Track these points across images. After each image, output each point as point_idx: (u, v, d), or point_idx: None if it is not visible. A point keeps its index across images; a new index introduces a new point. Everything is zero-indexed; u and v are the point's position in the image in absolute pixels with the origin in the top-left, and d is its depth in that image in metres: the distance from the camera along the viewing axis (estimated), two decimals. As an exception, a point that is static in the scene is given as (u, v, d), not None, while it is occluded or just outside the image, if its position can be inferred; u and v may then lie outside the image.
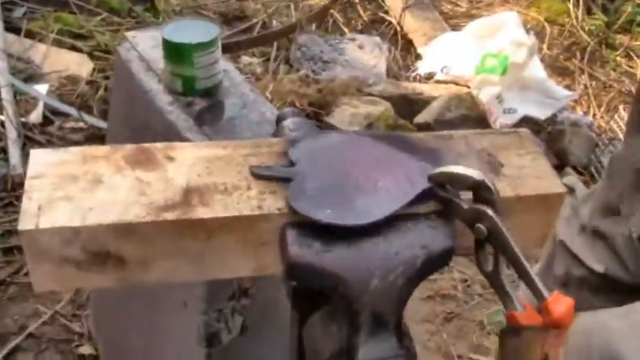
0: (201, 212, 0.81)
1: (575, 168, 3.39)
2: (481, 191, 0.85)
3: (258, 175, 0.88)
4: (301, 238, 0.82)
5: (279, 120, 1.09)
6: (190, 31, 1.49)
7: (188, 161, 0.88)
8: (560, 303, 0.81)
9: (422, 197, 0.88)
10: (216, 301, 1.46)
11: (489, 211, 0.84)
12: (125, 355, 2.00)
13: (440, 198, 0.88)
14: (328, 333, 0.87)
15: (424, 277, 0.87)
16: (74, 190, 0.82)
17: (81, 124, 3.14)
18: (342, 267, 0.81)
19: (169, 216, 0.80)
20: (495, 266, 0.87)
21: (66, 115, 3.19)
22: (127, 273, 0.83)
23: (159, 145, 0.89)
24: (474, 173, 0.85)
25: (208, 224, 0.81)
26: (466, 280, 2.77)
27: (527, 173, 0.94)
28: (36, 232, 0.78)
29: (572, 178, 3.25)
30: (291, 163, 0.91)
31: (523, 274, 0.84)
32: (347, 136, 1.01)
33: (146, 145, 0.89)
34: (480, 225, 0.85)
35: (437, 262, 0.87)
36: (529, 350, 0.82)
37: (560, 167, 3.37)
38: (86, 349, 2.34)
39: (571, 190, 3.15)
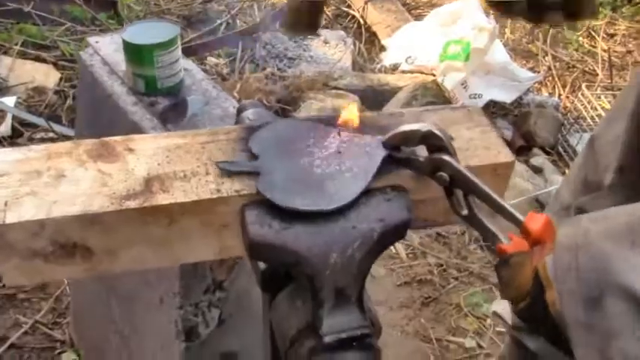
0: (162, 198, 0.84)
1: (542, 148, 3.43)
2: (432, 141, 0.89)
3: (225, 170, 0.91)
4: (261, 217, 0.85)
5: (239, 111, 1.12)
6: (150, 31, 1.51)
7: (148, 152, 0.90)
8: (535, 220, 0.85)
9: (383, 167, 0.92)
10: (191, 295, 1.48)
11: (445, 157, 0.88)
12: (107, 358, 2.02)
13: (398, 160, 0.92)
14: (294, 310, 0.90)
15: (382, 250, 0.90)
16: (39, 185, 0.85)
17: (51, 134, 3.14)
18: (301, 244, 0.84)
19: (132, 204, 0.83)
20: (469, 208, 0.91)
21: (35, 126, 3.19)
22: (94, 263, 0.86)
23: (119, 138, 0.92)
24: (420, 126, 0.90)
25: (169, 210, 0.84)
26: (442, 265, 2.81)
27: (476, 145, 0.98)
28: (3, 227, 0.80)
29: (539, 159, 3.30)
30: (253, 155, 0.93)
31: (495, 206, 0.88)
32: (301, 123, 1.04)
33: (106, 138, 0.91)
34: (440, 173, 0.89)
35: (394, 234, 0.90)
36: (519, 273, 0.85)
37: (527, 149, 3.42)
38: (69, 356, 2.35)
39: (539, 170, 3.20)
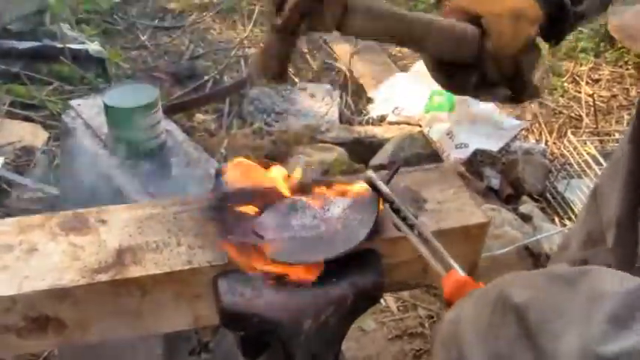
0: (134, 271, 0.84)
1: (531, 196, 3.43)
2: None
3: (237, 243, 0.91)
4: (233, 287, 0.85)
5: (217, 175, 1.13)
6: (131, 94, 1.52)
7: (120, 223, 0.91)
8: (448, 280, 0.83)
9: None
10: (176, 357, 1.47)
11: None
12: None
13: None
14: (269, 377, 0.90)
15: (357, 315, 0.90)
16: (10, 260, 0.85)
17: (39, 194, 3.14)
18: (274, 311, 0.84)
19: (103, 277, 0.83)
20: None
21: (23, 186, 3.19)
22: (67, 335, 0.85)
23: (92, 209, 0.92)
24: (367, 175, 0.98)
25: (142, 282, 0.84)
26: (432, 317, 2.78)
27: (448, 207, 0.98)
28: (-27, 305, 0.80)
29: (528, 207, 3.29)
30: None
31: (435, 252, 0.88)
32: (292, 205, 1.03)
33: (80, 210, 0.92)
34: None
35: (368, 298, 0.90)
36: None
37: (516, 197, 3.41)
38: (57, 419, 2.32)
39: (528, 218, 3.19)
